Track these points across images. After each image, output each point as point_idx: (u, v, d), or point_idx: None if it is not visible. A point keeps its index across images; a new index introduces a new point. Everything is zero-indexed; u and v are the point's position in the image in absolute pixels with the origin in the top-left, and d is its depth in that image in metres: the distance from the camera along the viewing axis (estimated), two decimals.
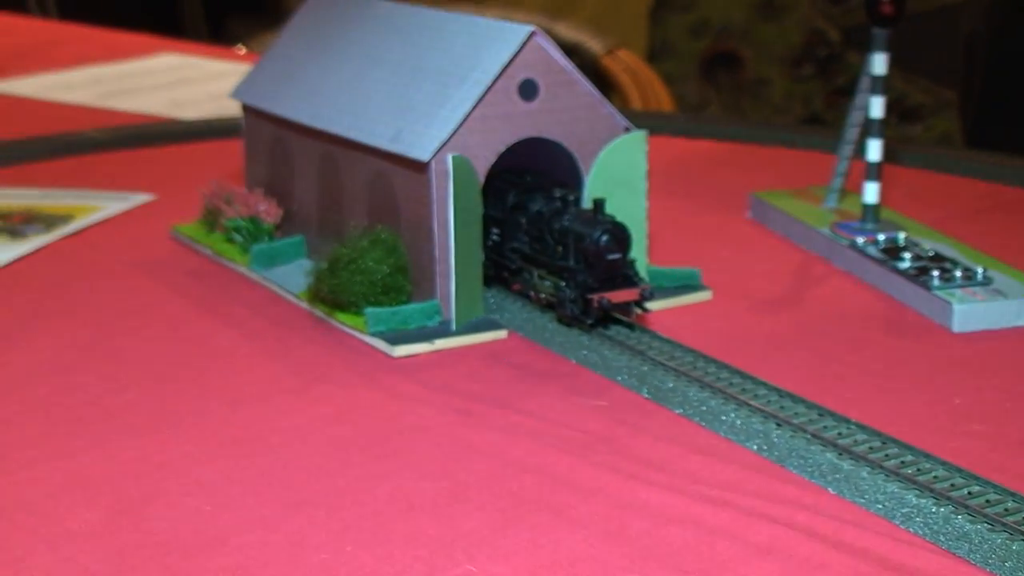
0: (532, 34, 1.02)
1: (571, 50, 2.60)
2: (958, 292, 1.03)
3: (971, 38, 1.74)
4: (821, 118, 3.51)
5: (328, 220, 1.14)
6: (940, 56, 2.90)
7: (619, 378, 0.95)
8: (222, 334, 1.06)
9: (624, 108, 2.28)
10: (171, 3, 4.05)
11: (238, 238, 1.19)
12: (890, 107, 3.72)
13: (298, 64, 1.20)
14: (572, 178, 1.07)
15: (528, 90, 1.03)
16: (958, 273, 1.05)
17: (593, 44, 2.60)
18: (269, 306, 1.11)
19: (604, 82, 2.53)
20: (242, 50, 2.48)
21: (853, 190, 1.25)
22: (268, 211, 1.19)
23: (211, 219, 1.24)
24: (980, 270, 1.05)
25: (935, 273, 1.05)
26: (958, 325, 1.01)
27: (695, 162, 1.53)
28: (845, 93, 3.52)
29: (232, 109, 1.26)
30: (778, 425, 0.86)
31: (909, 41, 3.41)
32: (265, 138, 1.22)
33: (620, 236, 0.99)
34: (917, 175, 1.45)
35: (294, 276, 1.13)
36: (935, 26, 3.34)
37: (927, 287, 1.04)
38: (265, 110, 1.20)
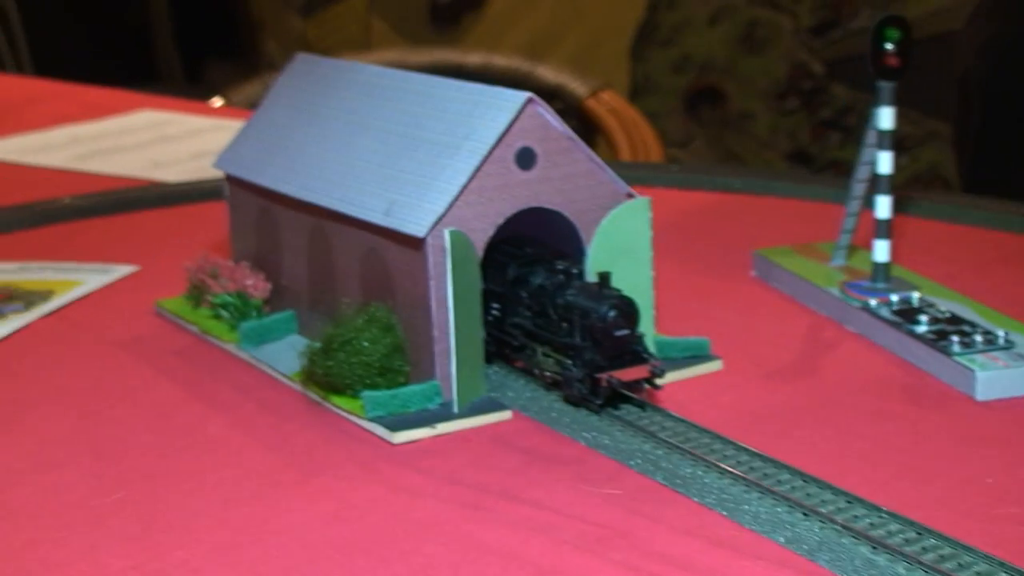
0: (529, 100, 0.98)
1: (554, 93, 2.58)
2: (979, 358, 0.99)
3: (966, 75, 1.70)
4: (807, 151, 3.48)
5: (319, 295, 1.10)
6: (928, 86, 2.87)
7: (632, 463, 0.91)
8: (213, 421, 1.01)
9: (613, 160, 2.25)
10: (146, 52, 4.02)
11: (225, 314, 1.15)
12: None
13: (282, 132, 1.15)
14: (573, 248, 1.03)
15: (526, 159, 0.99)
16: (978, 337, 1.00)
17: (576, 86, 2.56)
18: (260, 388, 1.06)
19: (589, 125, 2.49)
20: (218, 102, 2.44)
21: (859, 245, 1.21)
22: (256, 286, 1.15)
23: (197, 294, 1.19)
24: (1002, 333, 1.01)
25: (954, 338, 1.00)
26: (981, 393, 0.97)
27: (692, 217, 1.49)
28: (830, 125, 3.50)
29: (213, 168, 1.22)
30: (805, 515, 0.81)
31: None
32: (251, 210, 1.17)
33: (628, 311, 0.94)
34: (920, 225, 1.40)
35: (285, 355, 1.08)
36: (923, 56, 3.31)
37: (947, 353, 1.00)
38: (250, 181, 1.15)
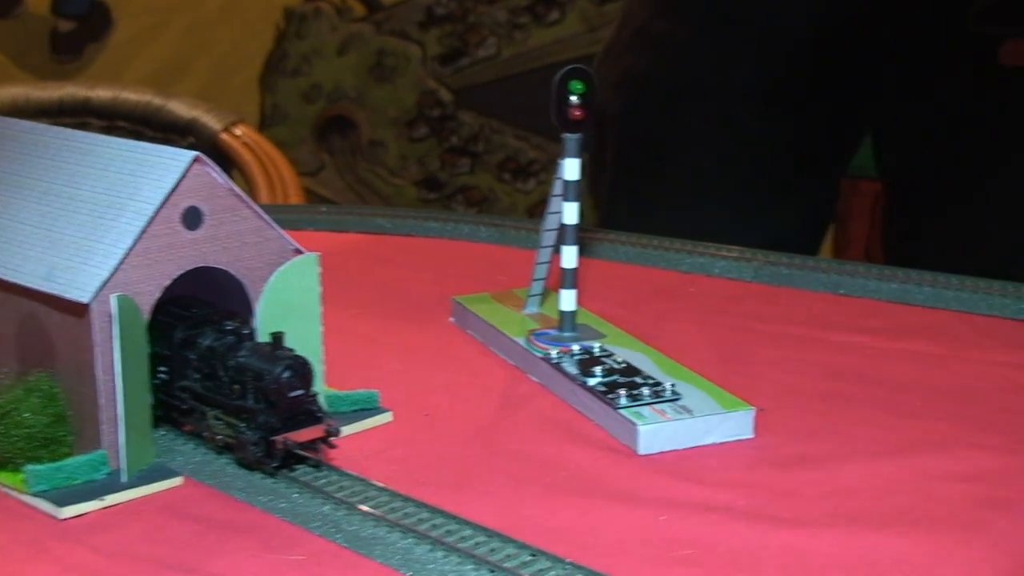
0: (195, 159, 0.96)
1: (187, 128, 2.54)
2: (645, 411, 1.01)
3: (602, 109, 1.77)
4: (438, 177, 3.54)
5: None
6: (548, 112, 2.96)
7: (312, 526, 0.90)
8: None
9: (253, 196, 2.22)
10: None
11: None
12: (503, 164, 3.79)
13: None
14: (242, 307, 1.01)
15: (192, 218, 0.97)
16: (646, 391, 1.04)
17: (210, 120, 2.52)
18: None
19: (224, 159, 2.46)
20: None
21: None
22: None
23: None
24: (669, 385, 1.04)
25: (622, 391, 1.03)
26: (643, 447, 1.00)
27: (358, 260, 1.48)
28: (460, 152, 3.57)
29: None
30: (491, 571, 0.82)
31: (520, 98, 3.48)
32: None
33: (303, 371, 0.94)
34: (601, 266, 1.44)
35: None
36: (545, 83, 3.40)
37: (614, 406, 1.02)
38: None
